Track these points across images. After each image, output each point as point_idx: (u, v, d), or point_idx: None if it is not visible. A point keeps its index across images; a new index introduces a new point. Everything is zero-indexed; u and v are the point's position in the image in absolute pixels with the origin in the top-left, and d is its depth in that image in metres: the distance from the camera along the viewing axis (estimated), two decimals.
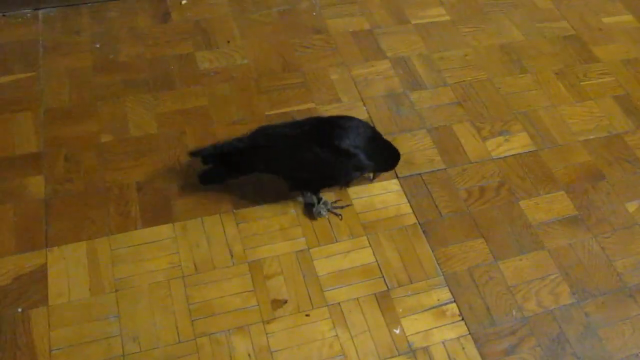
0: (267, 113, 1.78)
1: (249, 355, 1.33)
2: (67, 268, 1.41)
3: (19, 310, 1.34)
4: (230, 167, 1.52)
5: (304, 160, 1.45)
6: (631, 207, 1.70)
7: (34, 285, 1.38)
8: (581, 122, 1.90)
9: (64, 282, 1.39)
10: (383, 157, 1.56)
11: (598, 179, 1.75)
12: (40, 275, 1.40)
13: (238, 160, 1.49)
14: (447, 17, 2.17)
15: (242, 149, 1.48)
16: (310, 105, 1.82)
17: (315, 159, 1.44)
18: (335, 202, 1.59)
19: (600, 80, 2.04)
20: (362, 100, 1.85)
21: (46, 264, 1.42)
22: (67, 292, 1.38)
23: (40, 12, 1.98)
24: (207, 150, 1.51)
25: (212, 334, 1.35)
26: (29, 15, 1.97)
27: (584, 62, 2.09)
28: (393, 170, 1.67)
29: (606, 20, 2.26)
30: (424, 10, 2.18)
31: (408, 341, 1.38)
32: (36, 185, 1.55)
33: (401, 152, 1.60)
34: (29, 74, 1.80)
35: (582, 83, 2.02)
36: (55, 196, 1.53)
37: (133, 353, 1.31)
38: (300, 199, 1.59)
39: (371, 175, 1.63)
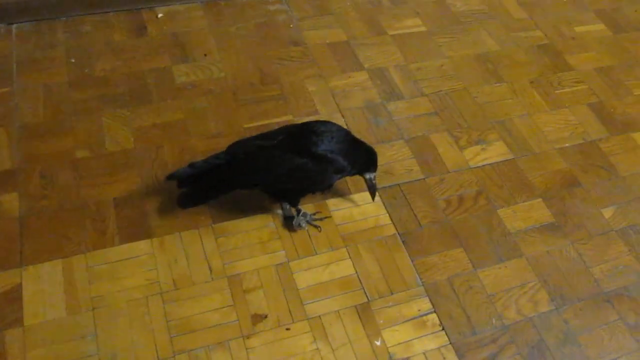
0: (245, 126, 1.78)
1: None
2: (42, 287, 1.39)
3: None
4: (209, 187, 1.50)
5: (282, 170, 1.45)
6: (607, 213, 1.72)
7: (8, 306, 1.36)
8: (556, 130, 1.92)
9: (40, 302, 1.37)
10: (361, 157, 1.54)
11: (574, 186, 1.77)
12: (15, 295, 1.37)
13: (217, 179, 1.48)
14: (424, 28, 2.19)
15: (220, 165, 1.47)
16: (289, 117, 1.82)
17: (294, 167, 1.44)
18: (315, 214, 1.59)
19: (575, 88, 2.07)
20: (340, 112, 1.86)
21: (21, 283, 1.39)
22: (42, 312, 1.35)
23: (14, 26, 1.96)
24: (185, 171, 1.48)
25: (191, 350, 1.33)
26: (2, 30, 1.95)
27: (558, 70, 2.12)
28: (369, 178, 1.67)
29: (578, 29, 2.30)
30: (400, 21, 2.20)
31: (389, 352, 1.38)
32: (10, 202, 1.53)
33: (379, 163, 1.60)
34: (2, 90, 1.78)
35: (556, 91, 2.04)
36: (30, 214, 1.51)
37: None
38: (280, 211, 1.58)
39: (370, 194, 1.62)
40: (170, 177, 1.50)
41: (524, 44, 2.20)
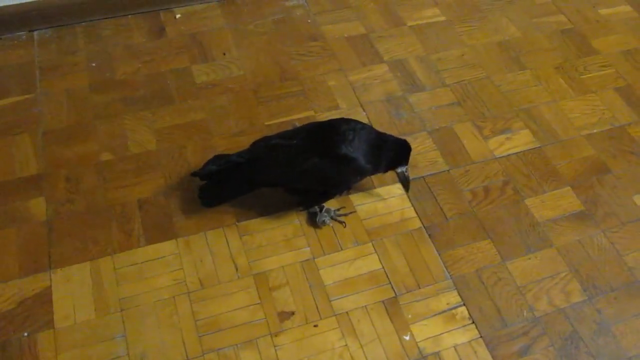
0: (266, 123, 1.77)
1: None
2: (71, 289, 1.40)
3: (25, 334, 1.33)
4: (232, 185, 1.51)
5: (300, 170, 1.43)
6: (639, 199, 1.67)
7: (39, 309, 1.37)
8: (583, 116, 1.88)
9: (69, 304, 1.38)
10: (388, 154, 1.49)
11: (603, 173, 1.73)
12: (45, 298, 1.39)
13: (238, 177, 1.48)
14: (443, 17, 2.16)
15: (241, 163, 1.47)
16: (309, 113, 1.81)
17: (311, 167, 1.42)
18: (339, 209, 1.58)
19: (601, 72, 2.02)
20: (361, 106, 1.84)
21: (50, 286, 1.41)
22: (72, 314, 1.37)
23: (35, 33, 1.99)
24: (209, 169, 1.51)
25: (220, 349, 1.33)
26: (24, 37, 1.97)
27: (583, 55, 2.07)
28: (401, 172, 1.65)
29: (603, 11, 2.24)
30: (419, 11, 2.17)
31: (419, 347, 1.37)
32: (38, 207, 1.55)
33: None
34: (26, 96, 1.80)
35: (582, 76, 2.00)
36: (57, 217, 1.53)
37: None
38: (300, 208, 1.57)
39: (404, 187, 1.58)
40: (195, 174, 1.53)
41: (547, 29, 2.15)
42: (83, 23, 2.03)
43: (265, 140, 1.52)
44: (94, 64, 1.90)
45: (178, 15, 2.08)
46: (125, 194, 1.58)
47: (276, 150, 1.45)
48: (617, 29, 2.18)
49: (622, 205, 1.66)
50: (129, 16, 2.06)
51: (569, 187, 1.69)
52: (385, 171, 1.54)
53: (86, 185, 1.60)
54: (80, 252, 1.47)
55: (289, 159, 1.43)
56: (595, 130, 1.84)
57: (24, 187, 1.58)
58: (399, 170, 1.54)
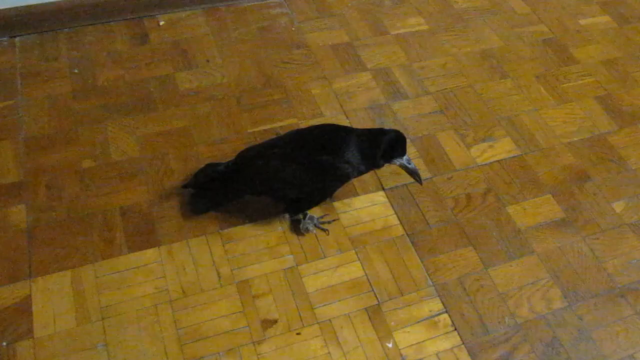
0: (249, 130, 1.77)
1: None
2: (52, 298, 1.39)
3: (4, 344, 1.31)
4: (220, 193, 1.53)
5: (280, 179, 1.44)
6: (618, 207, 1.70)
7: (18, 318, 1.35)
8: (564, 124, 1.90)
9: (50, 313, 1.37)
10: (374, 149, 1.43)
11: (584, 181, 1.75)
12: (24, 307, 1.37)
13: (225, 186, 1.50)
14: (426, 26, 2.18)
15: (227, 173, 1.49)
16: (293, 120, 1.81)
17: (291, 175, 1.43)
18: (322, 217, 1.58)
19: (581, 81, 2.05)
20: (345, 113, 1.85)
21: (30, 295, 1.39)
22: (52, 323, 1.35)
23: (17, 39, 1.97)
24: (198, 180, 1.54)
25: (202, 358, 1.33)
26: (5, 43, 1.96)
27: (564, 64, 2.10)
28: (378, 181, 1.66)
29: (583, 22, 2.28)
30: (403, 20, 2.19)
31: (401, 355, 1.37)
32: (18, 214, 1.53)
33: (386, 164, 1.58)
34: (7, 103, 1.78)
35: (563, 85, 2.03)
36: (38, 225, 1.51)
37: None
38: (287, 215, 1.57)
39: (415, 179, 1.51)
40: (185, 186, 1.56)
41: (528, 38, 2.18)
42: (65, 29, 2.02)
43: (249, 150, 1.52)
44: (76, 71, 1.89)
45: (162, 22, 2.08)
46: (107, 202, 1.57)
47: (259, 159, 1.46)
48: (597, 38, 2.22)
49: (602, 212, 1.68)
50: (112, 23, 2.06)
51: (550, 195, 1.70)
52: (381, 166, 1.48)
53: (67, 193, 1.58)
54: (61, 260, 1.45)
55: (270, 168, 1.44)
56: (575, 139, 1.86)
57: (4, 195, 1.56)
58: (398, 163, 1.47)
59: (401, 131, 1.48)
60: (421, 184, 1.59)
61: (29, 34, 1.98)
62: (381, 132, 1.47)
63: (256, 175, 1.45)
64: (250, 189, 1.49)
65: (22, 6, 1.94)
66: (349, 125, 1.80)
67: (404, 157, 1.48)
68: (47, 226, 1.51)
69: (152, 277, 1.44)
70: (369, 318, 1.42)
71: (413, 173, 1.50)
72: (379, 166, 1.49)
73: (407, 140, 1.48)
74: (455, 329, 1.42)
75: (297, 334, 1.38)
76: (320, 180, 1.44)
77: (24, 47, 1.95)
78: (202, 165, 1.58)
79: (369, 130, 1.49)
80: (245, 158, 1.49)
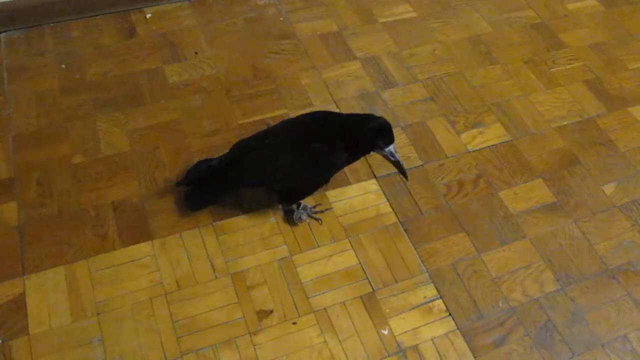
0: (240, 122, 1.77)
1: None
2: (46, 295, 1.38)
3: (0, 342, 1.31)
4: (215, 188, 1.51)
5: (277, 170, 1.43)
6: (608, 189, 1.71)
7: (13, 315, 1.35)
8: (553, 108, 1.91)
9: (44, 310, 1.36)
10: (360, 135, 1.37)
11: (574, 164, 1.76)
12: (18, 304, 1.37)
13: (220, 180, 1.49)
14: (414, 14, 2.17)
15: (220, 167, 1.48)
16: (283, 111, 1.81)
17: (282, 165, 1.42)
18: (315, 206, 1.58)
19: (570, 66, 2.05)
20: (335, 103, 1.85)
21: (24, 292, 1.39)
22: (47, 320, 1.35)
23: (2, 35, 1.95)
24: (192, 176, 1.52)
25: (199, 350, 1.33)
26: None
27: (552, 49, 2.11)
28: (370, 169, 1.67)
29: (571, 6, 2.28)
30: (391, 8, 2.19)
31: (397, 341, 1.38)
32: (9, 212, 1.52)
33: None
34: None
35: (551, 70, 2.03)
36: (30, 222, 1.51)
37: None
38: (280, 206, 1.57)
39: (400, 172, 1.44)
40: (179, 183, 1.55)
41: (517, 24, 2.18)
42: (52, 24, 2.00)
43: (241, 142, 1.51)
44: (63, 66, 1.87)
45: (149, 15, 2.06)
46: (98, 197, 1.57)
47: (253, 150, 1.45)
48: (584, 22, 2.22)
49: (592, 195, 1.69)
50: (99, 16, 2.04)
51: (541, 179, 1.71)
52: (365, 155, 1.44)
53: (58, 189, 1.57)
54: (54, 256, 1.45)
55: (263, 159, 1.43)
56: (565, 123, 1.87)
57: None
58: (383, 153, 1.39)
59: (389, 120, 1.41)
60: (406, 179, 1.51)
61: (14, 29, 1.96)
62: (368, 118, 1.40)
63: (251, 166, 1.45)
64: (246, 181, 1.49)
65: (6, 1, 1.92)
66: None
67: (390, 147, 1.38)
68: (39, 223, 1.51)
69: (146, 271, 1.44)
70: (364, 306, 1.42)
71: (397, 165, 1.41)
72: (358, 158, 1.47)
73: (398, 129, 1.47)
74: (450, 314, 1.43)
75: (293, 323, 1.38)
76: (314, 168, 1.44)
77: (9, 43, 1.93)
78: (194, 163, 1.57)
79: (359, 116, 1.44)
80: (239, 150, 1.48)
